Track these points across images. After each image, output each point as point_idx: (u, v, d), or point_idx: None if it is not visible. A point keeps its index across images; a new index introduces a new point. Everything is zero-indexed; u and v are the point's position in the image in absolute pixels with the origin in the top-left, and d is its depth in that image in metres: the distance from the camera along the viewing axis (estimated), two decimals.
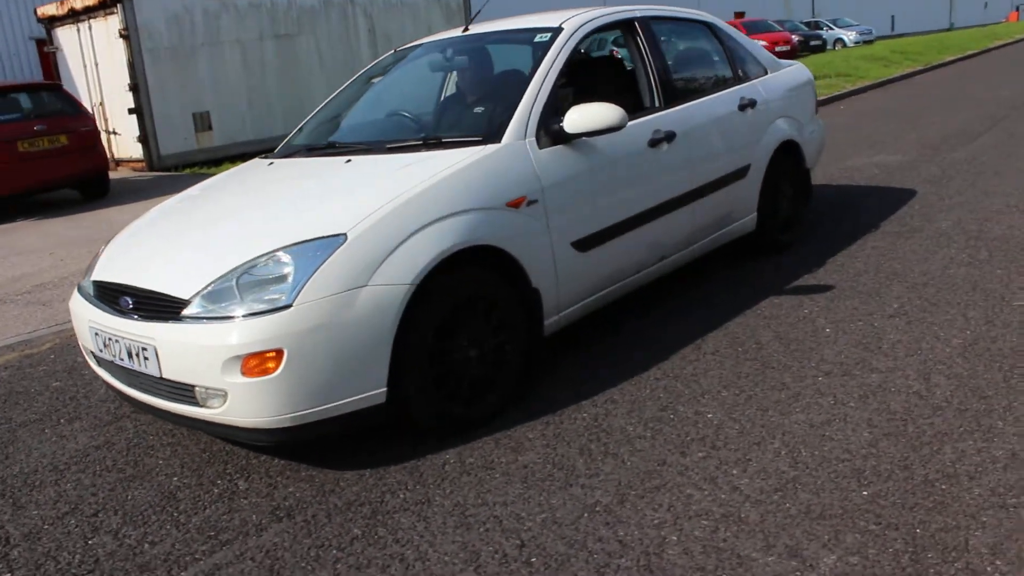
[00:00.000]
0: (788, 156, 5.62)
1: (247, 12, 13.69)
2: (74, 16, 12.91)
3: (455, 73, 4.94)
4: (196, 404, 3.19)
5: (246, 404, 3.05)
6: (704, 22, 5.48)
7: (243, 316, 3.03)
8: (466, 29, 4.90)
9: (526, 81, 4.00)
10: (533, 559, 2.62)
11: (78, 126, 10.52)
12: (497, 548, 2.70)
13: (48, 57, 13.95)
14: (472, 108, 4.41)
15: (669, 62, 4.86)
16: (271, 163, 4.39)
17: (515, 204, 3.59)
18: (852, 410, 3.34)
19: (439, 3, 16.96)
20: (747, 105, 5.18)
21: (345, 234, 3.16)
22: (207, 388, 3.11)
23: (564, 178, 3.82)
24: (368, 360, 3.12)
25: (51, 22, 13.40)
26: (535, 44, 4.29)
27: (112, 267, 3.64)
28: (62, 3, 12.97)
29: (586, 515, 2.82)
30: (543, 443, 3.36)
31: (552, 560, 2.60)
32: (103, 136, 13.29)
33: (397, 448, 3.44)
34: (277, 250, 3.15)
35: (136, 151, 12.98)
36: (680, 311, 4.74)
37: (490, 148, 3.68)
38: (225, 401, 3.09)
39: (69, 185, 10.23)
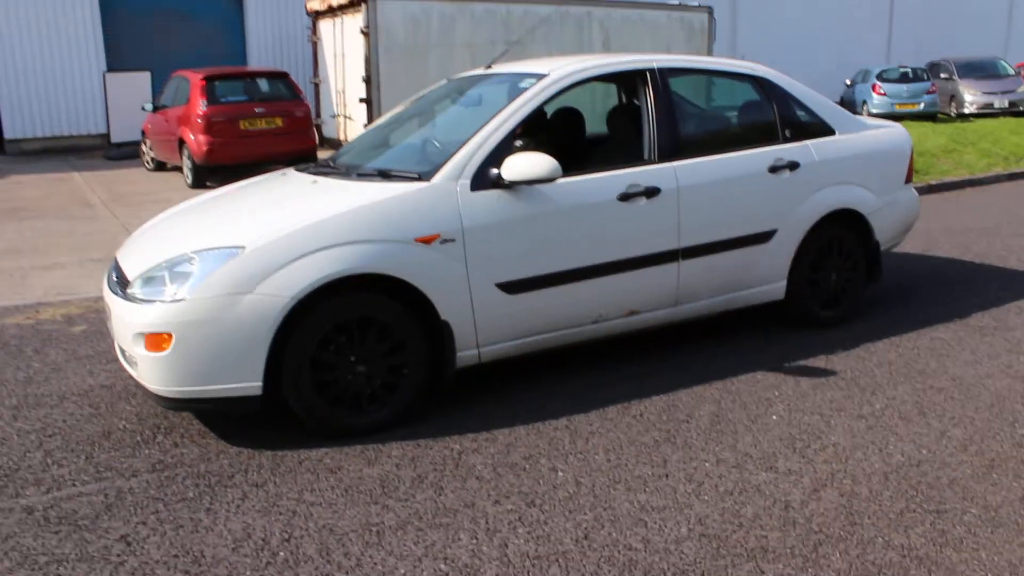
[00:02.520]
0: (846, 226, 5.29)
1: (482, 17, 14.56)
2: (331, 11, 14.48)
3: (449, 110, 5.21)
4: (130, 364, 3.83)
5: (148, 372, 3.68)
6: (753, 76, 5.25)
7: (149, 301, 3.65)
8: (489, 67, 5.17)
9: (483, 125, 4.21)
10: (281, 553, 2.94)
11: (294, 110, 12.00)
12: (267, 536, 3.05)
13: (314, 46, 15.74)
14: (428, 145, 4.69)
15: (681, 116, 4.82)
16: (283, 174, 4.94)
17: (426, 240, 3.86)
18: (694, 504, 3.27)
19: (682, 22, 16.88)
20: (783, 167, 4.97)
21: (244, 246, 3.65)
22: (128, 354, 3.76)
23: (495, 221, 4.02)
24: (245, 356, 3.59)
25: (316, 15, 15.14)
26: (517, 89, 4.48)
27: (122, 250, 4.42)
28: (325, 0, 14.63)
29: (359, 531, 3.08)
30: (394, 462, 3.62)
31: (295, 559, 2.90)
32: (340, 120, 14.81)
33: (282, 434, 3.86)
34: (192, 252, 3.72)
35: None
36: (650, 367, 4.71)
37: (416, 186, 4.00)
38: (137, 367, 3.70)
39: (281, 161, 11.63)
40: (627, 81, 4.97)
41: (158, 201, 10.62)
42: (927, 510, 3.19)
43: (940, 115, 21.57)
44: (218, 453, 3.74)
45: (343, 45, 14.37)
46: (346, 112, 14.71)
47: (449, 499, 3.30)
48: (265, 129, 11.64)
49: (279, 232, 3.70)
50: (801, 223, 5.06)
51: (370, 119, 13.86)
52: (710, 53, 17.27)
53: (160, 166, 13.76)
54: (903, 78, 21.79)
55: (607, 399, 4.26)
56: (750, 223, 4.87)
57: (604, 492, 3.34)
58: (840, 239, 5.29)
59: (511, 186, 4.07)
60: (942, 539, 3.00)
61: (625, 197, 4.39)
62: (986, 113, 21.21)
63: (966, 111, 21.66)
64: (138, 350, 3.65)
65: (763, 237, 4.93)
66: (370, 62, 13.42)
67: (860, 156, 5.36)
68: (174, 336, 3.55)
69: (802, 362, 4.77)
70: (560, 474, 3.50)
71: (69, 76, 17.36)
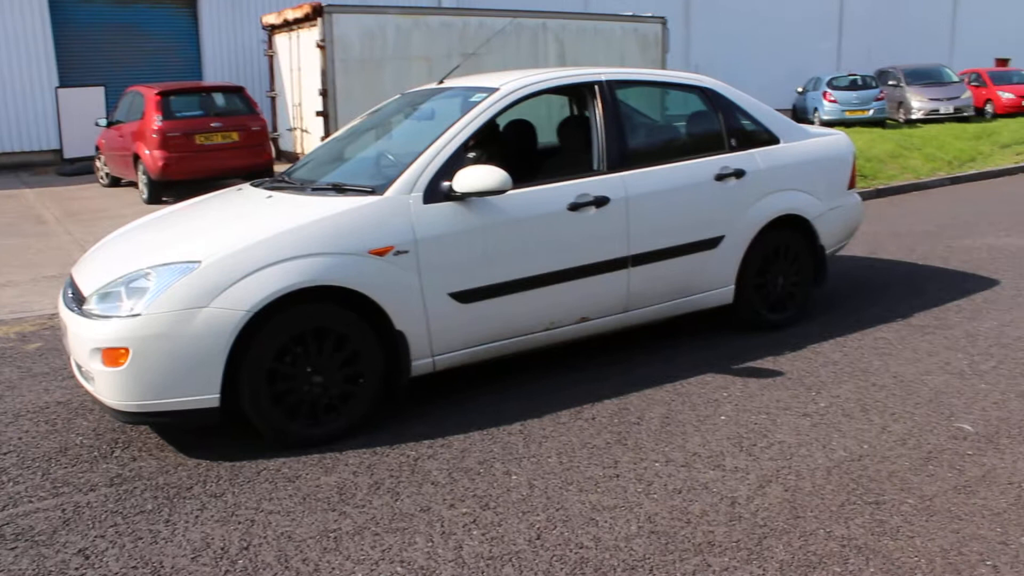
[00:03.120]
0: (792, 231, 5.47)
1: (438, 30, 14.67)
2: (287, 25, 14.51)
3: (402, 124, 5.30)
4: (87, 380, 3.85)
5: (105, 387, 3.70)
6: (700, 87, 5.40)
7: (105, 317, 3.68)
8: (441, 82, 5.27)
9: (435, 138, 4.31)
10: (240, 561, 2.99)
11: (250, 125, 12.00)
12: (226, 545, 3.09)
13: (270, 60, 15.73)
14: (382, 159, 4.79)
15: (630, 128, 4.98)
16: (239, 189, 4.98)
17: (380, 252, 3.96)
18: (644, 503, 3.37)
19: (636, 33, 17.12)
20: (729, 175, 5.12)
21: (200, 261, 3.71)
22: (85, 369, 3.78)
23: (446, 232, 4.13)
24: (202, 369, 3.64)
25: (271, 29, 15.14)
26: (468, 103, 4.59)
27: (77, 266, 4.43)
28: (279, 14, 14.63)
29: (317, 538, 3.14)
30: (351, 470, 3.68)
31: (254, 567, 2.95)
32: (297, 133, 14.81)
33: (240, 445, 3.91)
34: (149, 267, 3.76)
35: None
36: (601, 372, 4.82)
37: (370, 199, 4.10)
38: (94, 382, 3.72)
39: (237, 175, 11.61)
40: (576, 94, 5.11)
41: (113, 217, 10.55)
42: (867, 502, 3.32)
43: (888, 121, 22.10)
44: (176, 465, 3.77)
45: (299, 59, 14.39)
46: (303, 125, 14.72)
47: (405, 504, 3.37)
48: (221, 144, 11.61)
49: (234, 247, 3.77)
50: (748, 229, 5.21)
51: (327, 132, 13.88)
52: (664, 63, 17.54)
53: (115, 182, 13.65)
54: (853, 85, 22.32)
55: (560, 403, 4.36)
56: (698, 230, 5.01)
57: (557, 493, 3.43)
58: (786, 244, 5.46)
59: (463, 198, 4.18)
60: (880, 529, 3.13)
61: (575, 207, 4.51)
62: (932, 119, 21.79)
63: (913, 117, 22.24)
64: (95, 365, 3.68)
65: (711, 243, 5.07)
66: (326, 75, 13.46)
67: (804, 163, 5.53)
68: (131, 351, 3.59)
69: (750, 363, 4.92)
70: (514, 477, 3.58)
71: (20, 91, 17.14)
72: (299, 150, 14.63)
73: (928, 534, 3.09)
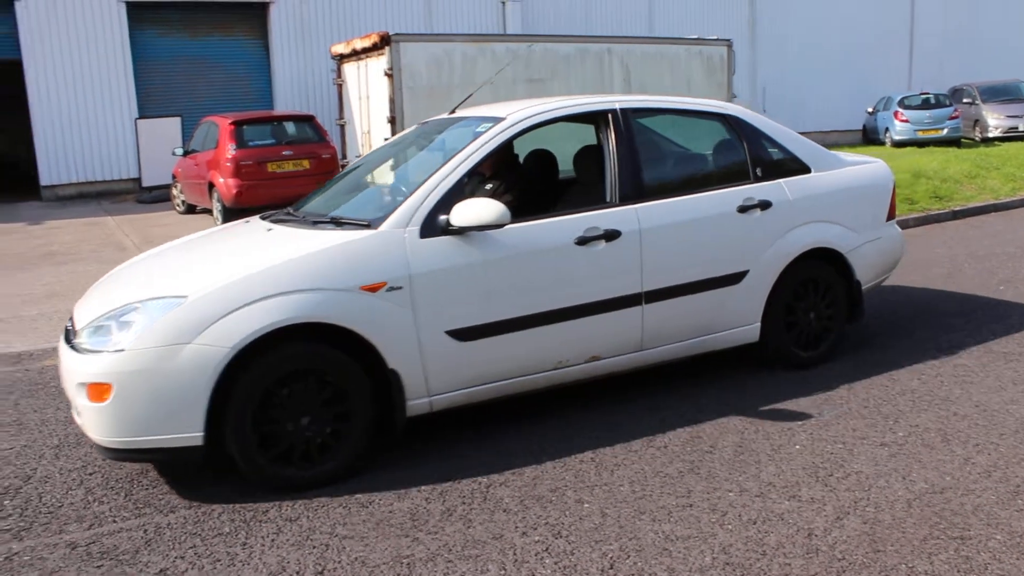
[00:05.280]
0: (825, 265, 5.23)
1: (503, 57, 14.82)
2: (355, 55, 14.80)
3: (414, 155, 5.21)
4: (77, 415, 3.89)
5: (90, 422, 3.72)
6: (723, 115, 5.18)
7: (94, 351, 3.69)
8: (453, 111, 5.22)
9: (435, 171, 4.23)
10: None
11: (320, 152, 12.31)
12: (301, 569, 3.15)
13: (339, 88, 16.08)
14: (383, 191, 4.73)
15: (646, 158, 4.77)
16: (247, 222, 4.92)
17: (372, 288, 3.85)
18: (718, 533, 3.32)
19: (701, 56, 17.03)
20: (753, 207, 4.90)
21: (186, 296, 3.69)
22: (74, 404, 3.85)
23: (444, 268, 4.00)
24: (185, 406, 3.60)
25: (340, 58, 15.48)
26: (475, 133, 4.49)
27: (80, 301, 4.42)
28: (348, 43, 14.94)
29: (390, 564, 3.17)
30: (424, 496, 3.72)
31: None
32: None
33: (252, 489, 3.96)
34: (136, 302, 3.77)
35: None
36: (671, 401, 4.76)
37: (364, 234, 3.99)
38: (82, 417, 3.80)
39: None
40: (590, 122, 4.89)
41: None
42: (951, 537, 3.22)
43: (964, 140, 21.52)
44: (253, 490, 3.84)
45: (367, 87, 14.67)
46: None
47: (477, 531, 3.38)
48: (292, 171, 11.91)
49: (221, 281, 3.73)
50: (775, 263, 4.98)
51: None
52: (730, 86, 17.40)
53: (191, 209, 14.07)
54: (925, 104, 21.81)
55: (632, 431, 4.33)
56: (719, 264, 4.81)
57: (629, 523, 3.40)
58: (818, 278, 5.22)
59: (461, 232, 4.05)
60: (966, 565, 3.02)
61: (583, 241, 4.35)
62: (1011, 136, 21.14)
63: (990, 135, 21.61)
64: (81, 400, 3.68)
65: (733, 278, 4.86)
66: (394, 103, 13.69)
67: (837, 193, 5.28)
68: (114, 386, 3.57)
69: (824, 392, 4.81)
70: (586, 506, 3.56)
71: (103, 123, 17.77)
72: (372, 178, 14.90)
73: (1020, 573, 2.97)
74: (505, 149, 4.76)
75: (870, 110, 23.94)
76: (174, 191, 14.61)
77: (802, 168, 5.23)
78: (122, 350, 3.60)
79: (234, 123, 12.14)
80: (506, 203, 4.61)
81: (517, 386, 4.32)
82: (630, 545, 3.23)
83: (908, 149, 20.42)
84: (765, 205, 4.95)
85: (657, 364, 4.80)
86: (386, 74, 13.62)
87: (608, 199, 4.59)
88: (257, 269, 3.78)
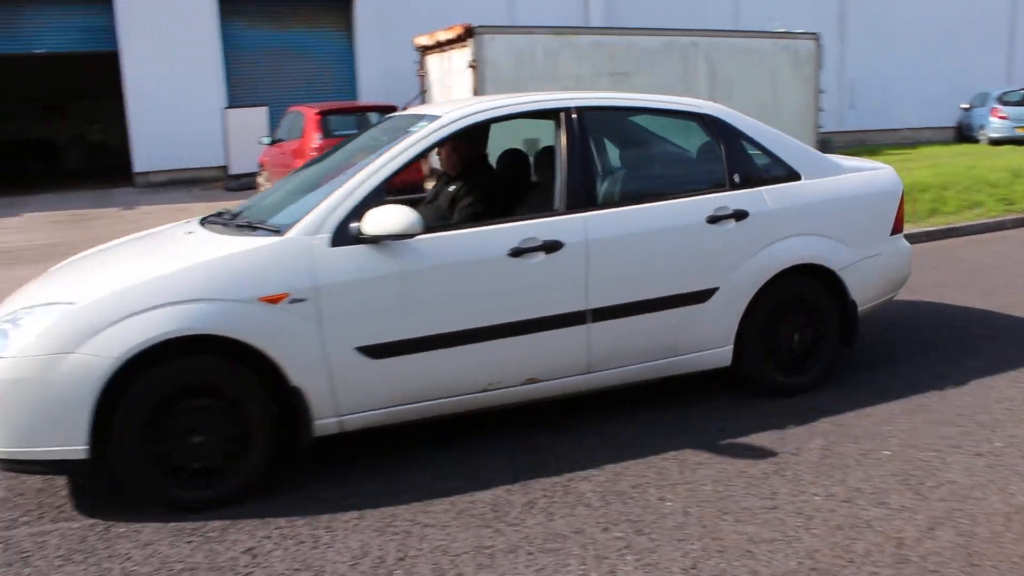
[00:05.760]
0: (813, 282, 4.72)
1: (586, 50, 14.74)
2: (439, 46, 14.91)
3: (361, 155, 4.76)
4: None
5: None
6: (699, 114, 4.68)
7: None
8: (405, 108, 4.87)
9: (356, 173, 3.93)
10: (397, 572, 3.09)
11: None
12: (383, 555, 3.19)
13: (422, 80, 16.22)
14: (304, 195, 4.29)
15: (605, 161, 4.50)
16: (187, 223, 4.58)
17: (272, 300, 3.58)
18: (804, 537, 3.25)
19: (787, 50, 16.64)
20: (726, 217, 4.42)
21: (72, 303, 3.51)
22: None
23: (356, 280, 3.72)
24: (67, 418, 3.39)
25: (423, 50, 15.61)
26: (407, 132, 4.16)
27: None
28: (431, 35, 15.06)
29: (471, 553, 3.19)
30: (505, 487, 3.72)
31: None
32: None
33: (398, 458, 4.02)
34: (24, 308, 3.62)
35: None
36: (757, 401, 4.64)
37: (268, 241, 3.75)
38: None
39: (391, 192, 11.97)
40: (542, 121, 4.47)
41: None
42: None
43: None
44: (334, 475, 3.92)
45: (450, 79, 14.78)
46: None
47: (559, 524, 3.38)
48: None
49: (112, 288, 3.55)
50: (750, 280, 4.49)
51: None
52: (817, 81, 16.98)
53: None
54: None
55: (715, 430, 4.27)
56: (682, 281, 4.36)
57: (712, 522, 3.36)
58: (805, 297, 4.72)
59: (376, 241, 3.73)
60: None
61: (518, 252, 3.96)
62: None
63: None
64: None
65: (700, 296, 4.41)
66: (477, 95, 13.77)
67: (830, 203, 4.76)
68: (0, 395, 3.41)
69: (915, 397, 4.65)
70: (668, 503, 3.53)
71: (193, 112, 18.30)
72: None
73: None
74: (459, 148, 4.57)
75: (965, 106, 23.11)
76: (260, 179, 14.95)
77: (790, 175, 4.70)
78: (5, 357, 3.43)
79: (319, 113, 12.37)
80: (466, 206, 4.47)
81: (443, 407, 3.98)
82: (713, 545, 3.19)
83: (1005, 147, 19.64)
84: (740, 215, 4.45)
85: (614, 388, 4.40)
86: (470, 66, 13.70)
87: (556, 206, 4.17)
88: (150, 276, 3.59)
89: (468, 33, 13.75)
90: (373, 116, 13.20)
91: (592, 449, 4.09)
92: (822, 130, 17.47)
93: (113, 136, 21.56)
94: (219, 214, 4.45)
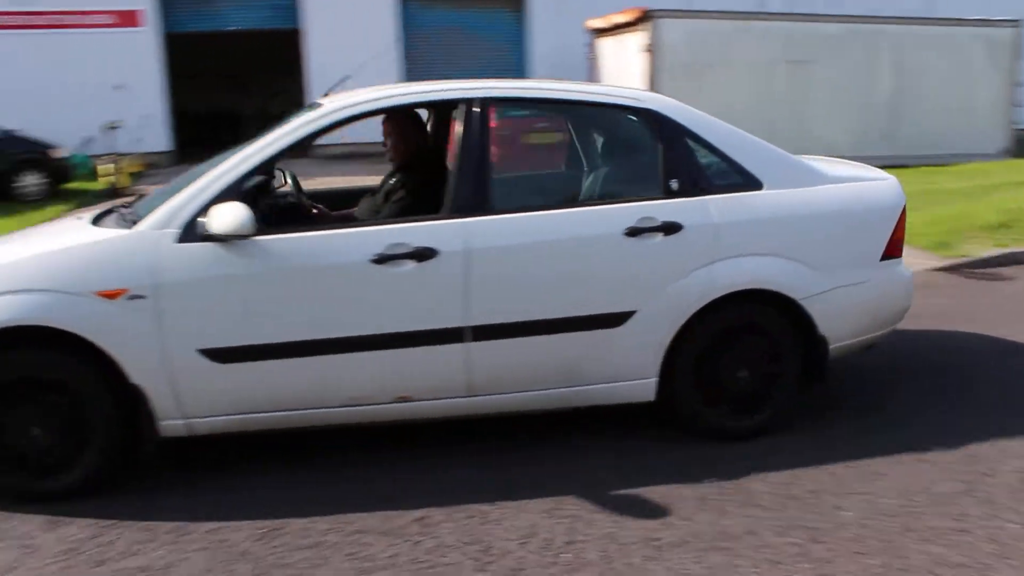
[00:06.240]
0: (768, 311, 4.06)
1: (763, 36, 14.29)
2: (612, 29, 14.83)
3: None
4: None
5: None
6: (636, 108, 4.08)
7: None
8: (326, 95, 4.42)
9: (218, 165, 3.75)
10: (564, 555, 3.10)
11: None
12: (552, 536, 3.22)
13: (592, 62, 16.16)
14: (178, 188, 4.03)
15: (506, 161, 4.07)
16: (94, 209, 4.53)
17: (109, 295, 3.46)
18: (998, 567, 3.04)
19: (983, 39, 15.52)
20: (651, 229, 3.84)
21: None
22: None
23: (200, 279, 3.53)
24: None
25: (596, 33, 15.54)
26: (283, 122, 3.96)
27: None
28: (606, 18, 14.98)
29: (639, 544, 3.17)
30: (675, 481, 3.66)
31: (578, 563, 3.06)
32: None
33: (571, 445, 4.05)
34: None
35: None
36: (948, 416, 4.36)
37: (113, 234, 3.64)
38: None
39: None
40: (441, 114, 4.09)
41: None
42: None
43: None
44: (499, 451, 3.99)
45: (622, 63, 14.67)
46: None
47: (730, 523, 3.30)
48: (544, 144, 12.12)
49: None
50: (680, 304, 3.89)
51: None
52: (1016, 73, 15.78)
53: None
54: None
55: (899, 441, 4.04)
56: (588, 301, 3.83)
57: (894, 538, 3.19)
58: (758, 328, 4.08)
59: (224, 240, 3.52)
60: None
61: (382, 259, 3.62)
62: None
63: None
64: None
65: (611, 320, 3.85)
66: (652, 80, 13.62)
67: (797, 219, 4.04)
68: None
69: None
70: (845, 513, 3.38)
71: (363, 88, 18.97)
72: None
73: None
74: (402, 138, 4.37)
75: None
76: None
77: (748, 183, 4.03)
78: None
79: None
80: (396, 201, 4.19)
81: (301, 419, 3.75)
82: (895, 563, 3.03)
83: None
84: (671, 228, 3.85)
85: (507, 414, 3.99)
86: (645, 50, 13.57)
87: (445, 209, 3.79)
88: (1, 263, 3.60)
89: (645, 16, 13.61)
90: None
91: (766, 449, 3.97)
92: (1018, 126, 16.23)
93: (287, 111, 22.63)
94: (125, 205, 4.28)
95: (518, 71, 19.91)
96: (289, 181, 4.64)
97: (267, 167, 3.84)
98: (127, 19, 18.72)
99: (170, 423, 3.63)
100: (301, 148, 3.88)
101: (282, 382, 3.66)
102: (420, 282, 3.67)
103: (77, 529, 3.39)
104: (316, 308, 3.63)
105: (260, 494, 3.65)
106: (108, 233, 3.66)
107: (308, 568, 3.09)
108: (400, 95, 4.06)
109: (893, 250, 4.24)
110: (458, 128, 3.88)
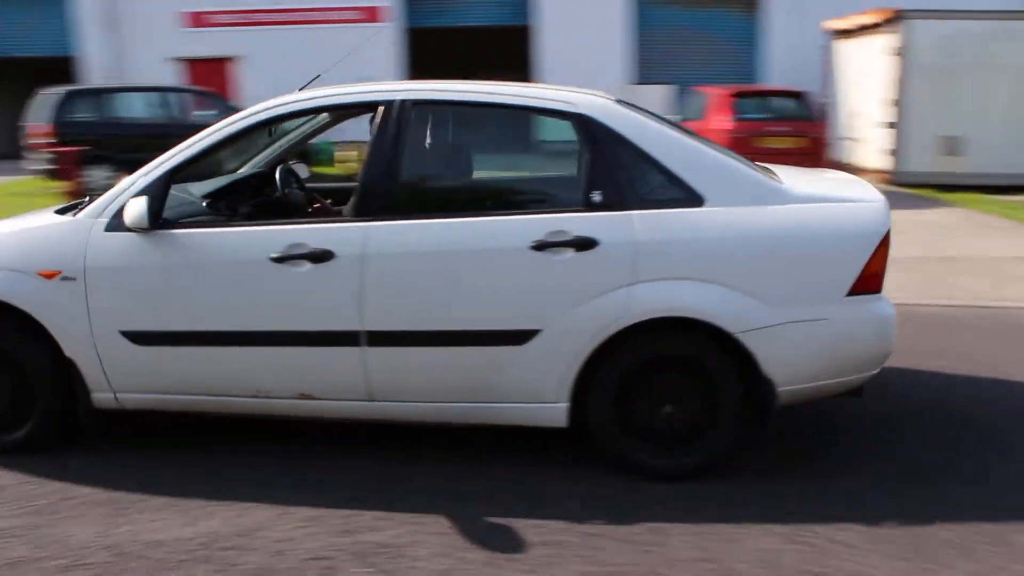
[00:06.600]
0: (703, 343, 3.68)
1: (1022, 36, 13.06)
2: (855, 31, 14.03)
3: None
4: None
5: None
6: (568, 113, 3.83)
7: None
8: (302, 89, 4.28)
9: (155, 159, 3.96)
10: None
11: (809, 132, 12.00)
12: (798, 564, 3.09)
13: (828, 65, 15.40)
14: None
15: (418, 165, 4.06)
16: None
17: (48, 275, 3.86)
18: None
19: None
20: (561, 244, 3.59)
21: None
22: None
23: (119, 266, 3.82)
24: None
25: (836, 35, 14.77)
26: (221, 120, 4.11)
27: None
28: (848, 19, 14.20)
29: None
30: (925, 517, 3.43)
31: None
32: (850, 143, 14.33)
33: (818, 469, 3.87)
34: None
35: (878, 162, 13.71)
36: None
37: (60, 219, 3.99)
38: None
39: None
40: (364, 115, 4.10)
41: None
42: None
43: None
44: (747, 481, 3.84)
45: (864, 65, 13.90)
46: (857, 135, 14.22)
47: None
48: (779, 148, 11.77)
49: None
50: (592, 327, 3.61)
51: (895, 144, 13.30)
52: None
53: None
54: None
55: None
56: (489, 316, 3.67)
57: None
58: (693, 360, 3.72)
59: (141, 231, 3.78)
60: None
61: (282, 259, 3.69)
62: None
63: None
64: None
65: (512, 337, 3.67)
66: (901, 84, 12.88)
67: (740, 242, 3.61)
68: None
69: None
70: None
71: (591, 86, 18.94)
72: (849, 161, 14.19)
73: None
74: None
75: None
76: None
77: (687, 198, 3.66)
78: None
79: (732, 94, 12.40)
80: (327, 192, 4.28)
81: (212, 405, 3.95)
82: None
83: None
84: (584, 244, 3.59)
85: (410, 424, 3.98)
86: (894, 53, 12.78)
87: (348, 212, 3.83)
88: None
89: (895, 17, 12.82)
90: (780, 101, 12.85)
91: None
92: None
93: None
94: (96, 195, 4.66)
95: (751, 72, 19.39)
96: (303, 175, 4.92)
97: (190, 164, 3.98)
98: (371, 15, 19.91)
99: (101, 395, 3.98)
100: (225, 147, 4.06)
101: (192, 368, 3.90)
102: (317, 283, 3.72)
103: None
104: (220, 301, 3.81)
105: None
106: (56, 219, 4.04)
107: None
108: (322, 97, 4.03)
109: (867, 285, 3.67)
110: (373, 129, 3.88)
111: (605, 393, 3.72)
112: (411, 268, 3.68)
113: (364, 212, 3.76)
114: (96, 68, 20.20)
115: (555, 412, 3.76)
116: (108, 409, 4.03)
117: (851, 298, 3.65)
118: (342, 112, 4.48)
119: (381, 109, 3.87)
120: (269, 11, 19.86)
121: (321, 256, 3.68)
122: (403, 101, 3.88)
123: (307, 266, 3.70)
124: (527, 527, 3.38)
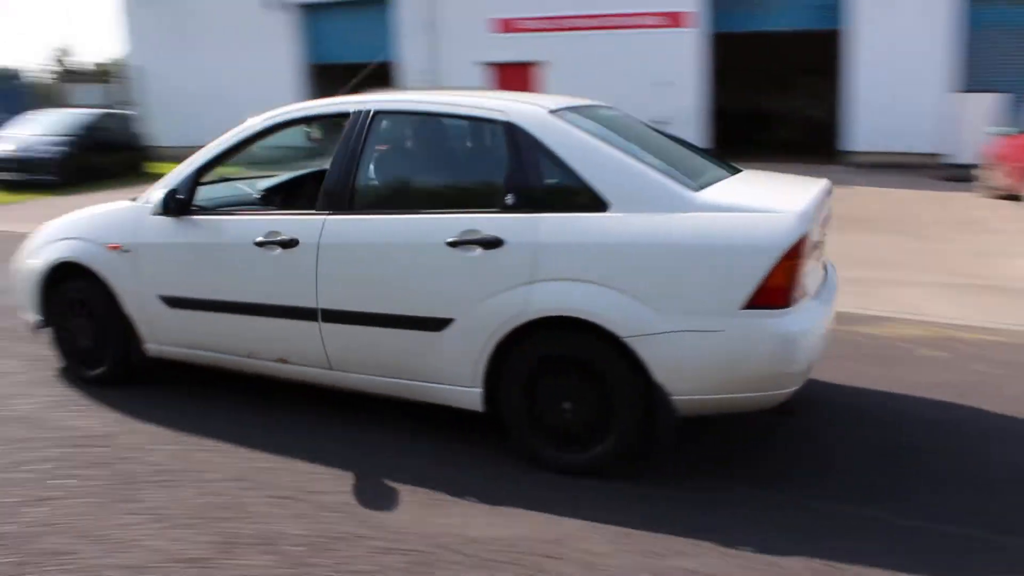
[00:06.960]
0: (599, 346, 3.75)
1: None
2: None
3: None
4: None
5: None
6: (498, 121, 4.11)
7: None
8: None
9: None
10: None
11: None
12: None
13: None
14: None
15: (374, 166, 4.49)
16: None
17: (113, 248, 4.89)
18: None
19: None
20: (472, 242, 3.90)
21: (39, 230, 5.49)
22: None
23: (158, 243, 4.74)
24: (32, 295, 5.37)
25: None
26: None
27: None
28: None
29: None
30: None
31: None
32: None
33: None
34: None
35: None
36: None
37: (128, 205, 4.96)
38: None
39: None
40: (337, 124, 4.59)
41: (994, 231, 10.09)
42: None
43: None
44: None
45: None
46: None
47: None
48: None
49: (49, 225, 5.38)
50: (494, 321, 3.89)
51: None
52: None
53: (1013, 196, 12.13)
54: None
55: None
56: (411, 303, 4.11)
57: None
58: (585, 361, 3.82)
59: (177, 215, 4.64)
60: None
61: (262, 244, 4.41)
62: None
63: None
64: None
65: (432, 324, 4.05)
66: None
67: (636, 248, 3.70)
68: None
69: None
70: None
71: (912, 95, 17.23)
72: None
73: None
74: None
75: None
76: (989, 172, 13.29)
77: (592, 203, 3.80)
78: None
79: None
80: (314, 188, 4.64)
81: (225, 362, 4.76)
82: None
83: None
84: (491, 243, 3.87)
85: (364, 393, 4.45)
86: None
87: (315, 205, 4.40)
88: (60, 221, 5.30)
89: None
90: None
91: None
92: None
93: (820, 113, 21.77)
94: None
95: None
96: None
97: (208, 168, 4.78)
98: (676, 20, 19.62)
99: (150, 346, 4.99)
100: (231, 156, 4.79)
101: (207, 330, 4.75)
102: (286, 266, 4.36)
103: None
104: (225, 276, 4.62)
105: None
106: (125, 204, 5.01)
107: None
108: (315, 107, 4.79)
109: (767, 299, 3.55)
110: (342, 137, 4.42)
111: (512, 384, 3.98)
112: (352, 256, 4.24)
113: (325, 206, 4.35)
114: (412, 72, 21.60)
115: (472, 396, 4.09)
116: (156, 357, 5.00)
117: (748, 311, 3.58)
118: (323, 121, 5.43)
119: (350, 118, 4.43)
120: (574, 16, 20.20)
121: (289, 243, 4.35)
122: (364, 111, 4.42)
123: (279, 251, 4.37)
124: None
